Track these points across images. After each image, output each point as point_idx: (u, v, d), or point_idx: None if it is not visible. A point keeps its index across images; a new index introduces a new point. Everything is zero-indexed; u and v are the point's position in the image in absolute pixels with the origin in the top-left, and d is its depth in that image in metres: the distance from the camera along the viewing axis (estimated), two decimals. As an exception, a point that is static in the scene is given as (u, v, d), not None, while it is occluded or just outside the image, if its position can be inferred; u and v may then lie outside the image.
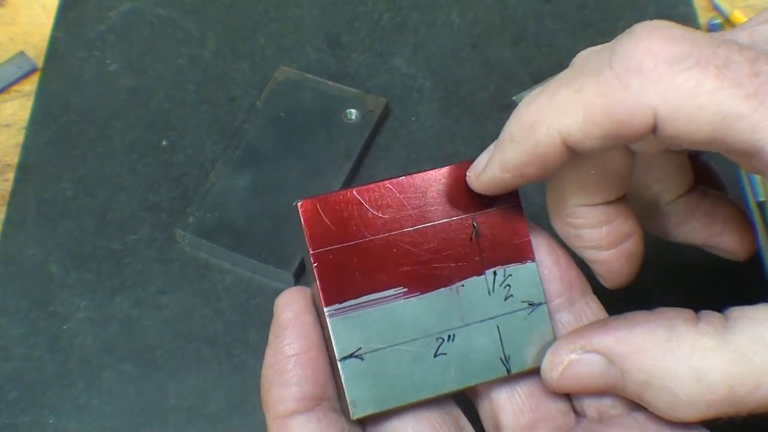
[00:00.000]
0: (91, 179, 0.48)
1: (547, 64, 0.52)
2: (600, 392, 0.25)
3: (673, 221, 0.30)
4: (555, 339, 0.26)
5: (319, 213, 0.25)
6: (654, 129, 0.22)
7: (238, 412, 0.40)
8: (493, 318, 0.26)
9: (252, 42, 0.54)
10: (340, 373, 0.25)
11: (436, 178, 0.26)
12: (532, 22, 0.54)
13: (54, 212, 0.46)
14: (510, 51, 0.53)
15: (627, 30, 0.23)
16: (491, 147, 0.25)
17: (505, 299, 0.26)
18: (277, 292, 0.43)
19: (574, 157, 0.23)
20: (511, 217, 0.26)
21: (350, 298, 0.25)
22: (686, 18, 0.54)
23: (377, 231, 0.25)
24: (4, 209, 0.47)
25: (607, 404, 0.26)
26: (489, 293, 0.26)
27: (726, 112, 0.21)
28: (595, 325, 0.26)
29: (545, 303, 0.26)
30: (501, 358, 0.26)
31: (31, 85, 0.53)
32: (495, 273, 0.26)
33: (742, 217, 0.31)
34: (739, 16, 0.56)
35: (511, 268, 0.26)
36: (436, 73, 0.52)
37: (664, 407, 0.24)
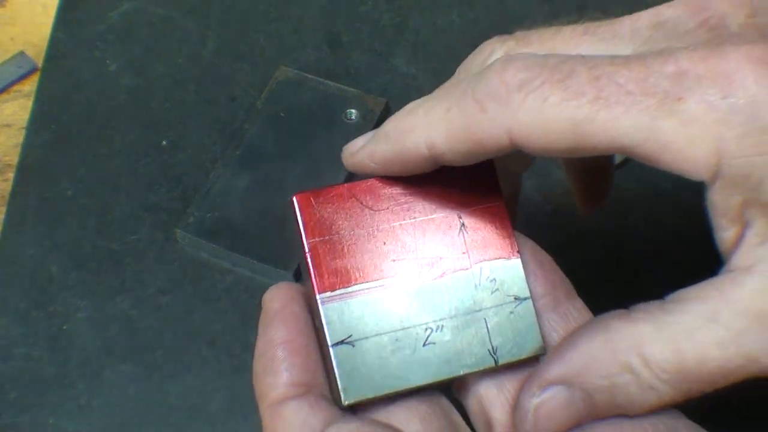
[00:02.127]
0: (91, 179, 0.48)
1: (547, 64, 0.52)
2: (580, 421, 0.25)
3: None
4: (540, 332, 0.27)
5: (313, 205, 0.26)
6: (513, 145, 0.24)
7: (238, 412, 0.40)
8: (480, 310, 0.27)
9: (252, 42, 0.54)
10: (332, 358, 0.25)
11: (425, 176, 0.27)
12: (532, 22, 0.54)
13: (54, 212, 0.46)
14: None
15: (490, 63, 0.26)
16: (370, 134, 0.28)
17: (492, 293, 0.27)
18: (277, 292, 0.43)
19: (438, 164, 0.26)
20: (495, 216, 0.27)
21: (342, 287, 0.26)
22: (686, 18, 0.54)
23: (368, 224, 0.27)
24: (4, 209, 0.47)
25: None
26: (476, 287, 0.27)
27: (575, 119, 0.23)
28: (542, 362, 0.26)
29: (530, 298, 0.27)
30: (489, 350, 0.26)
31: (31, 85, 0.53)
32: (481, 268, 0.27)
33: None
34: (739, 16, 0.56)
35: (497, 263, 0.27)
36: (436, 73, 0.52)
37: (636, 402, 0.24)
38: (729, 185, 0.22)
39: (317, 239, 0.26)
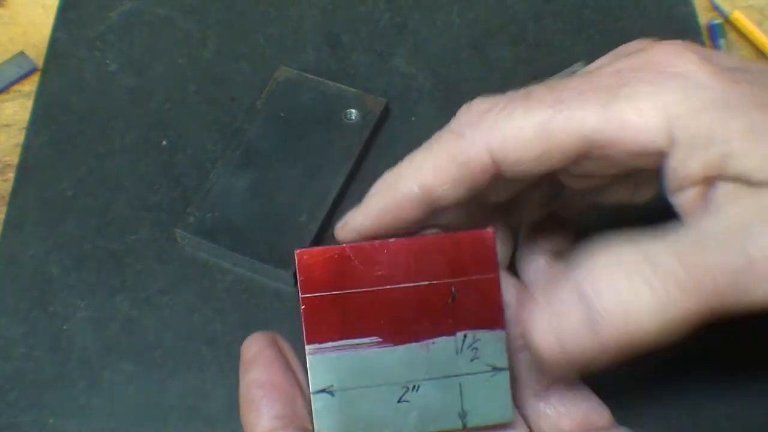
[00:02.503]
0: (91, 179, 0.48)
1: (547, 64, 0.52)
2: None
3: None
4: (512, 402, 0.28)
5: (313, 262, 0.28)
6: (495, 162, 0.27)
7: (238, 412, 0.40)
8: (457, 376, 0.28)
9: (252, 42, 0.54)
10: (312, 404, 0.28)
11: (424, 244, 0.28)
12: (532, 22, 0.54)
13: (54, 212, 0.46)
14: (510, 51, 0.53)
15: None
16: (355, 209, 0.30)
17: (471, 360, 0.28)
18: (277, 292, 0.43)
19: (432, 206, 0.29)
20: (487, 287, 0.28)
21: (330, 340, 0.28)
22: (686, 18, 0.54)
23: (363, 284, 0.28)
24: (4, 209, 0.47)
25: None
26: (457, 353, 0.28)
27: (540, 122, 0.26)
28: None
29: (507, 369, 0.28)
30: (458, 413, 0.28)
31: (31, 85, 0.53)
32: (465, 335, 0.28)
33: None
34: (739, 16, 0.56)
35: (481, 333, 0.28)
36: (436, 73, 0.52)
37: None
38: (685, 148, 0.25)
39: (313, 294, 0.28)
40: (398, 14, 0.55)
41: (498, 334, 0.28)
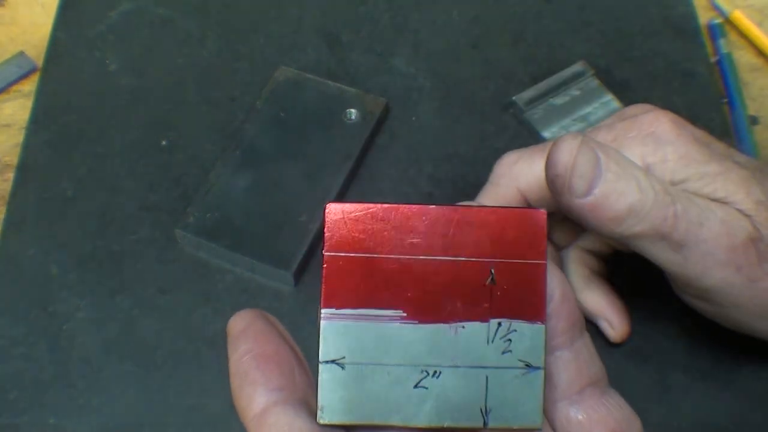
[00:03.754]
0: (91, 179, 0.48)
1: (547, 64, 0.52)
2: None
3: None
4: (543, 406, 0.26)
5: (344, 219, 0.26)
6: (527, 199, 0.38)
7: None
8: (484, 367, 0.26)
9: (252, 42, 0.53)
10: (319, 375, 0.25)
11: (468, 214, 0.26)
12: (532, 22, 0.54)
13: (54, 212, 0.46)
14: (510, 51, 0.53)
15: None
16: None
17: (503, 353, 0.25)
18: (277, 292, 0.43)
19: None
20: (532, 274, 0.26)
21: (348, 307, 0.25)
22: (686, 18, 0.54)
23: (394, 251, 0.25)
24: (4, 209, 0.47)
25: None
26: (488, 342, 0.25)
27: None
28: None
29: (543, 369, 0.26)
30: (481, 408, 0.25)
31: (31, 85, 0.53)
32: (500, 324, 0.25)
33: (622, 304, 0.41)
34: (739, 16, 0.56)
35: (518, 324, 0.25)
36: (436, 73, 0.52)
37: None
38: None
39: (337, 254, 0.25)
40: (398, 14, 0.55)
41: (537, 327, 0.25)
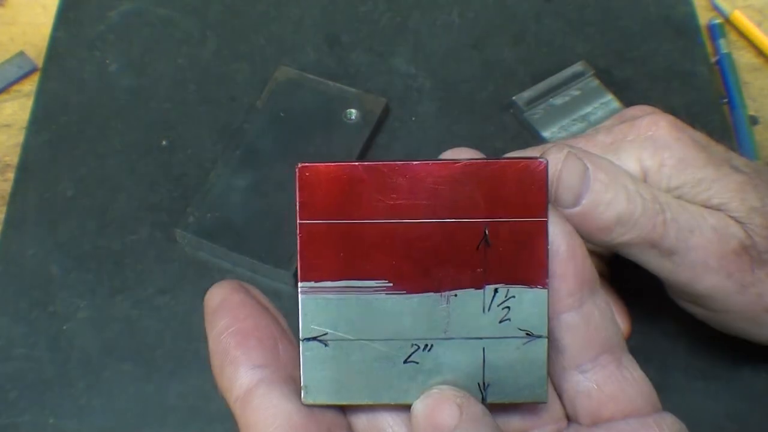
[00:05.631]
0: (91, 179, 0.48)
1: (547, 64, 0.52)
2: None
3: None
4: (548, 379, 0.24)
5: (319, 181, 0.23)
6: None
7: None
8: (480, 338, 0.23)
9: (252, 42, 0.54)
10: (301, 353, 0.24)
11: (455, 169, 0.23)
12: (532, 22, 0.54)
13: (54, 212, 0.46)
14: (510, 51, 0.53)
15: None
16: None
17: (500, 322, 0.23)
18: (277, 292, 0.43)
19: None
20: (531, 233, 0.23)
21: (329, 279, 0.23)
22: (686, 18, 0.54)
23: (376, 214, 0.23)
24: (4, 209, 0.47)
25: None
26: (483, 311, 0.23)
27: None
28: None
29: (546, 337, 0.23)
30: (479, 384, 0.24)
31: (31, 85, 0.53)
32: (496, 290, 0.23)
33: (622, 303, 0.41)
34: (739, 16, 0.56)
35: (516, 290, 0.23)
36: (436, 73, 0.52)
37: None
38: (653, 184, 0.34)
39: (313, 221, 0.23)
40: (398, 14, 0.55)
41: (538, 292, 0.23)
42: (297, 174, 0.24)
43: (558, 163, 0.31)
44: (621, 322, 0.41)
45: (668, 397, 0.40)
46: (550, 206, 0.24)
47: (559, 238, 0.24)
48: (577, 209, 0.31)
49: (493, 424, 0.23)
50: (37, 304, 0.43)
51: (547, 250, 0.23)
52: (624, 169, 0.34)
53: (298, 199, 0.23)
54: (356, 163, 0.23)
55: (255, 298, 0.25)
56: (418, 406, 0.23)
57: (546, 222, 0.23)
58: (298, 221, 0.23)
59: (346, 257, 0.23)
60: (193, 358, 0.42)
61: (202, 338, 0.42)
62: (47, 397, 0.41)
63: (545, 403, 0.24)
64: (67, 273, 0.44)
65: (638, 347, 0.41)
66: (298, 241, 0.23)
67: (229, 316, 0.25)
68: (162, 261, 0.45)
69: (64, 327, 0.43)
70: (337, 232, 0.23)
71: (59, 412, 0.40)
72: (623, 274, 0.42)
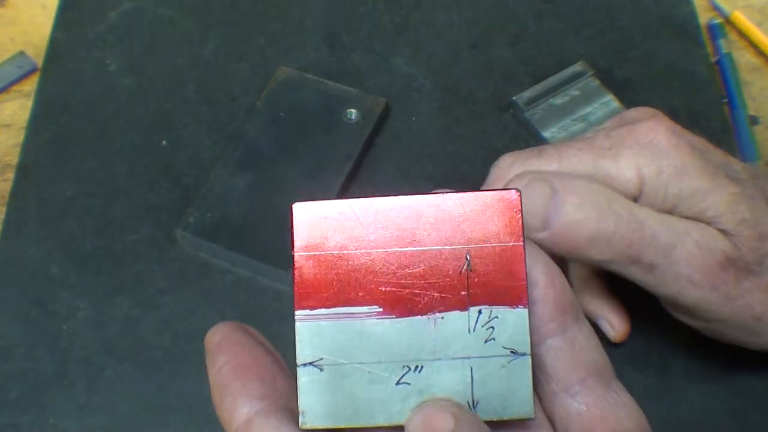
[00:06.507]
0: (91, 179, 0.48)
1: (547, 64, 0.52)
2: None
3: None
4: (534, 395, 0.25)
5: (311, 217, 0.26)
6: None
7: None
8: (468, 358, 0.25)
9: (252, 42, 0.54)
10: (298, 379, 0.25)
11: (437, 202, 0.25)
12: (532, 22, 0.54)
13: (54, 212, 0.46)
14: (510, 51, 0.53)
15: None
16: None
17: (486, 341, 0.25)
18: (277, 292, 0.43)
19: None
20: (510, 257, 0.25)
21: (322, 307, 0.25)
22: (686, 18, 0.54)
23: (365, 246, 0.25)
24: (4, 209, 0.47)
25: None
26: (469, 331, 0.25)
27: (546, 169, 0.37)
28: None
29: (529, 354, 0.25)
30: (468, 401, 0.25)
31: (31, 85, 0.53)
32: (480, 311, 0.25)
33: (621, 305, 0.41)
34: (739, 16, 0.56)
35: (499, 310, 0.25)
36: (436, 73, 0.52)
37: None
38: (648, 194, 0.35)
39: (307, 253, 0.25)
40: (398, 14, 0.55)
41: (519, 312, 0.25)
42: (291, 213, 0.26)
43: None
44: (620, 322, 0.41)
45: (668, 398, 0.40)
46: (526, 233, 0.26)
47: (536, 270, 0.26)
48: (545, 234, 0.33)
49: (488, 430, 0.24)
50: (37, 304, 0.43)
51: (526, 272, 0.25)
52: (601, 187, 0.34)
53: (292, 235, 0.26)
54: (345, 200, 0.26)
55: (252, 336, 0.27)
56: (414, 419, 0.24)
57: (522, 246, 0.25)
58: (293, 254, 0.25)
59: (338, 286, 0.25)
60: (193, 358, 0.42)
61: (202, 338, 0.42)
62: (47, 397, 0.41)
63: (533, 419, 0.25)
64: (67, 273, 0.44)
65: (638, 347, 0.42)
66: (294, 272, 0.25)
67: (228, 352, 0.26)
68: (162, 261, 0.45)
69: (64, 327, 0.43)
70: (329, 263, 0.25)
71: (59, 412, 0.40)
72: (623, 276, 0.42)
